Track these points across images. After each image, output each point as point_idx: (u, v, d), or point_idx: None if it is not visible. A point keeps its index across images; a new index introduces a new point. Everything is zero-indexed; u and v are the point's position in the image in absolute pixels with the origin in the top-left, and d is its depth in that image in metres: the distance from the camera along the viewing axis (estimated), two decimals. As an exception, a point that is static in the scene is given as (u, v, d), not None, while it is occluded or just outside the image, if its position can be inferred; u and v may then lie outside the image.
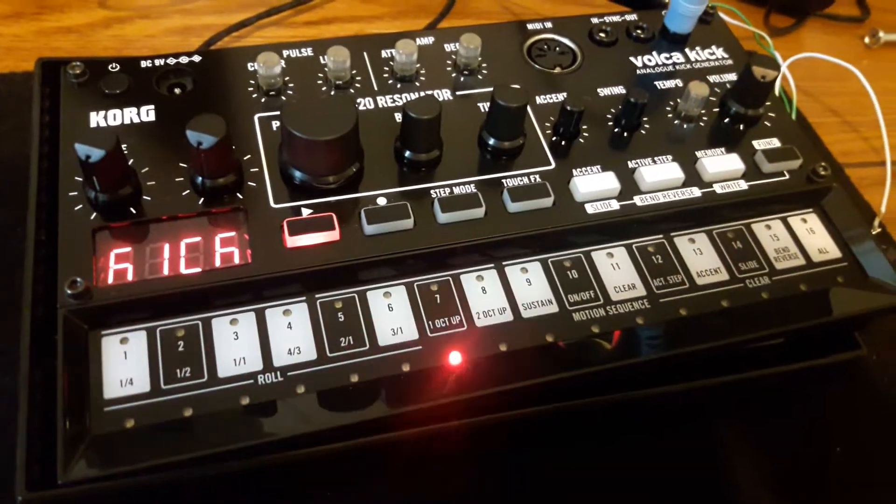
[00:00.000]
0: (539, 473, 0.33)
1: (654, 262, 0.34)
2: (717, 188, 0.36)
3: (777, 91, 0.43)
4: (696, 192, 0.35)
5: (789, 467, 0.35)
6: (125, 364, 0.28)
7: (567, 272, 0.33)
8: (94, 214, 0.30)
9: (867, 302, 0.34)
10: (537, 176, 0.35)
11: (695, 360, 0.32)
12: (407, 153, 0.34)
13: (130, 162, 0.32)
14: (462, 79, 0.38)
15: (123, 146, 0.31)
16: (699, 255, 0.34)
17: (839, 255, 0.36)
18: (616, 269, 0.33)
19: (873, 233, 0.39)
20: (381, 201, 0.33)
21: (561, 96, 0.38)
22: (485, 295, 0.32)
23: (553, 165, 0.35)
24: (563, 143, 0.36)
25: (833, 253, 0.36)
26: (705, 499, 0.34)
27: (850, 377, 0.38)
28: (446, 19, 0.52)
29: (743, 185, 0.36)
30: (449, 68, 0.39)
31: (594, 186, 0.34)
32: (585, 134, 0.37)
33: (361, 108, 0.36)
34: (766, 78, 0.37)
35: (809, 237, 0.36)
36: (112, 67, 0.36)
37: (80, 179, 0.31)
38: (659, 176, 0.35)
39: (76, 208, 0.31)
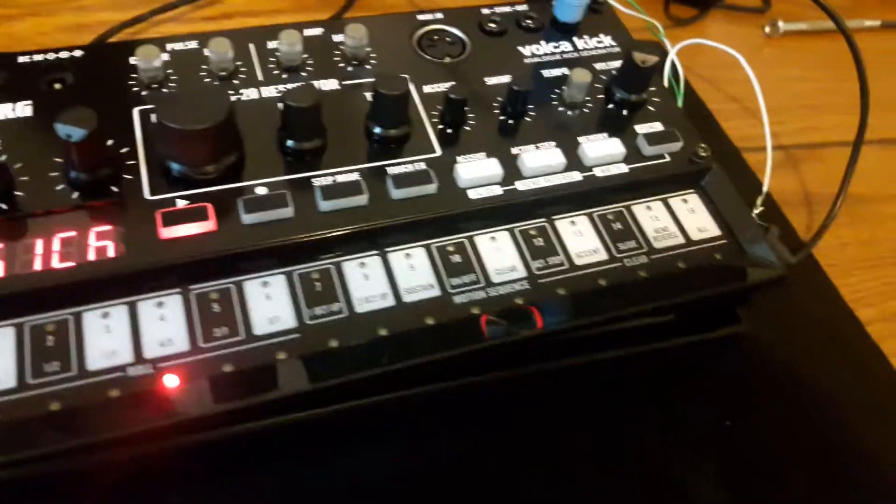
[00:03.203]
0: (430, 454, 0.34)
1: (535, 245, 0.34)
2: (598, 172, 0.36)
3: (667, 78, 0.44)
4: (577, 176, 0.36)
5: (680, 441, 0.37)
6: (-11, 360, 0.27)
7: (450, 256, 0.33)
8: (-37, 211, 0.30)
9: (743, 277, 0.35)
10: (422, 163, 0.35)
11: (573, 336, 0.33)
12: (289, 142, 0.34)
13: (3, 158, 0.32)
14: (350, 69, 0.38)
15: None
16: (580, 237, 0.35)
17: (718, 232, 0.37)
18: (498, 252, 0.34)
19: (756, 211, 0.40)
20: (261, 191, 0.33)
21: (448, 86, 0.39)
22: (367, 281, 0.32)
23: (438, 153, 0.36)
24: (449, 131, 0.37)
25: (712, 231, 0.37)
26: (595, 477, 0.35)
27: (736, 353, 0.39)
28: (349, 12, 0.52)
29: (624, 168, 0.37)
30: (337, 59, 0.39)
31: (477, 173, 0.35)
32: (472, 122, 0.37)
33: (245, 98, 0.36)
34: (647, 63, 0.38)
35: (690, 217, 0.37)
36: (-13, 63, 0.35)
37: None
38: (541, 161, 0.36)
39: (-56, 205, 0.30)
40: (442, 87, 0.38)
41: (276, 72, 0.38)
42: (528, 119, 0.38)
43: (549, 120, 0.38)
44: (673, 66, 0.45)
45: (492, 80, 0.39)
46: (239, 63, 0.37)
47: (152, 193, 0.32)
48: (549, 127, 0.38)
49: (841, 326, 0.45)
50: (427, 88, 0.38)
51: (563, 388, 0.36)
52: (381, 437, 0.33)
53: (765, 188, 0.41)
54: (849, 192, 0.54)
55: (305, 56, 0.38)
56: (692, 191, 0.38)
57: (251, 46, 0.38)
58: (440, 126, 0.37)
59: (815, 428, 0.37)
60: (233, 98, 0.35)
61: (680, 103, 0.43)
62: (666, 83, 0.44)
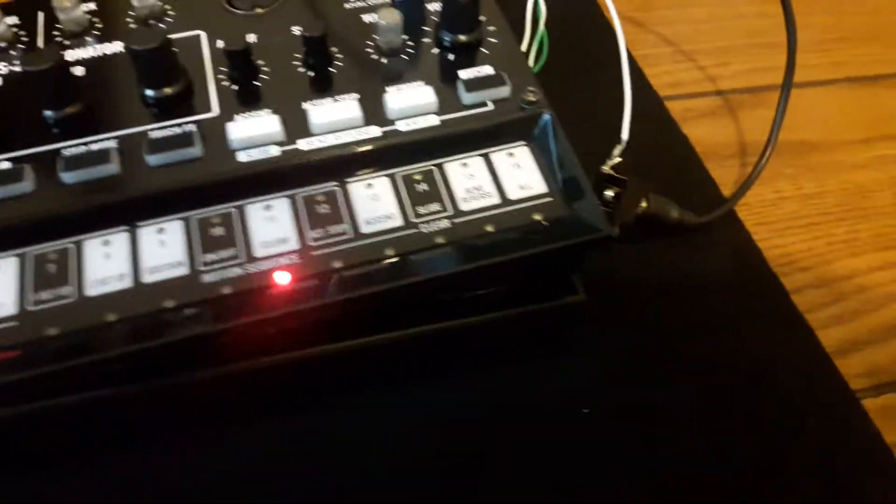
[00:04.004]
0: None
1: (319, 213, 0.30)
2: (401, 126, 0.31)
3: (529, 18, 0.39)
4: (375, 131, 0.31)
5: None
6: None
7: (210, 230, 0.29)
8: None
9: (559, 239, 0.30)
10: (192, 125, 0.31)
11: (346, 314, 0.29)
12: (47, 112, 0.31)
13: None
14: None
15: None
16: (374, 202, 0.30)
17: (544, 190, 0.31)
18: (270, 223, 0.30)
19: (611, 163, 0.34)
20: (4, 165, 0.30)
21: (252, 38, 0.34)
22: (107, 261, 0.28)
23: (216, 113, 0.32)
24: (235, 88, 0.33)
25: (537, 188, 0.31)
26: (435, 461, 0.31)
27: (575, 324, 0.33)
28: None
29: (434, 120, 0.32)
30: (130, 20, 0.35)
31: (248, 132, 0.31)
32: (266, 77, 0.33)
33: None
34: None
35: (513, 173, 0.32)
36: None
37: None
38: (330, 116, 0.31)
39: None
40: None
41: (58, 39, 0.34)
42: (333, 70, 0.33)
43: (360, 70, 0.34)
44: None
45: (299, 31, 0.35)
46: (22, 33, 0.34)
47: None
48: (357, 78, 0.33)
49: (757, 296, 0.38)
50: (223, 44, 0.34)
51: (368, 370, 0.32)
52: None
53: (624, 135, 0.35)
54: (799, 140, 0.47)
55: (92, 19, 0.35)
56: (523, 143, 0.32)
57: (40, 13, 0.35)
58: (225, 83, 0.33)
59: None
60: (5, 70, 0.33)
61: (532, 52, 0.37)
62: (528, 26, 0.38)
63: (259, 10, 0.36)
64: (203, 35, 0.34)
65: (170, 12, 0.36)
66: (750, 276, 0.39)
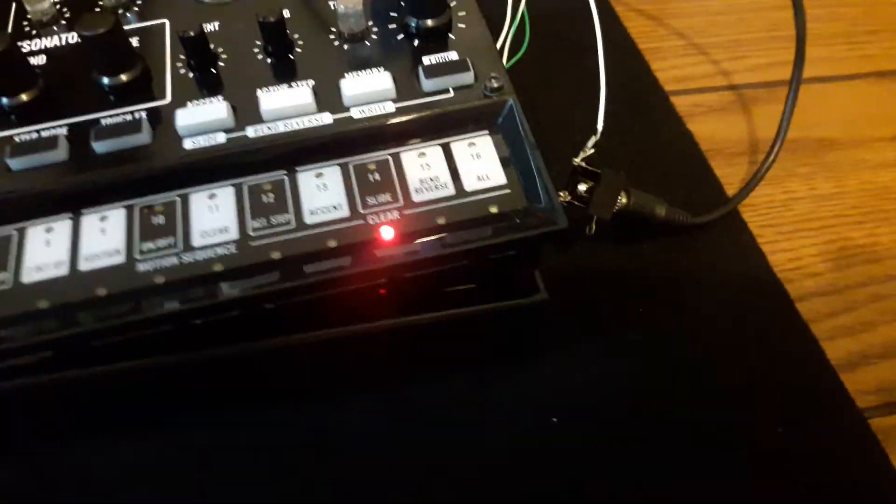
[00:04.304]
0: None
1: (262, 202, 0.29)
2: (355, 113, 0.30)
3: (510, 5, 0.37)
4: (326, 118, 0.30)
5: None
6: None
7: (152, 217, 0.28)
8: None
9: (511, 231, 0.28)
10: (144, 112, 0.30)
11: (281, 309, 0.27)
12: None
13: None
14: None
15: None
16: (322, 192, 0.29)
17: (503, 181, 0.29)
18: (212, 212, 0.29)
19: (583, 156, 0.32)
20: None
21: (214, 25, 0.34)
22: (47, 248, 0.28)
23: (168, 100, 0.31)
24: (191, 75, 0.32)
25: (496, 180, 0.29)
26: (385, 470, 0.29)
27: (537, 325, 0.31)
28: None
29: (390, 107, 0.30)
30: (98, 10, 0.35)
31: (196, 118, 0.30)
32: (223, 64, 0.32)
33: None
34: (430, -20, 0.31)
35: (472, 163, 0.30)
36: None
37: None
38: (280, 102, 0.30)
39: None
40: (207, 27, 0.33)
41: (27, 29, 0.34)
42: (292, 57, 0.32)
43: (321, 57, 0.32)
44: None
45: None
46: (-16, 20, 0.34)
47: None
48: (317, 65, 0.32)
49: (756, 303, 0.35)
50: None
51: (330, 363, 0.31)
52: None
53: (599, 125, 0.33)
54: (817, 137, 0.43)
55: (61, 8, 0.35)
56: (485, 132, 0.30)
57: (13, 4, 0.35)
58: (182, 70, 0.32)
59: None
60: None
61: (510, 38, 0.35)
62: (509, 9, 0.36)
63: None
64: (167, 23, 0.34)
65: (138, 1, 0.35)
66: (749, 281, 0.36)
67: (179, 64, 0.32)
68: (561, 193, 0.32)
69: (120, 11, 0.35)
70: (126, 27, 0.34)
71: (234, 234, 0.28)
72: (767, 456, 0.30)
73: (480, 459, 0.29)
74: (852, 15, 0.51)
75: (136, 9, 0.35)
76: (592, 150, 0.31)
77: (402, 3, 0.33)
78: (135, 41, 0.33)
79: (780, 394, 0.32)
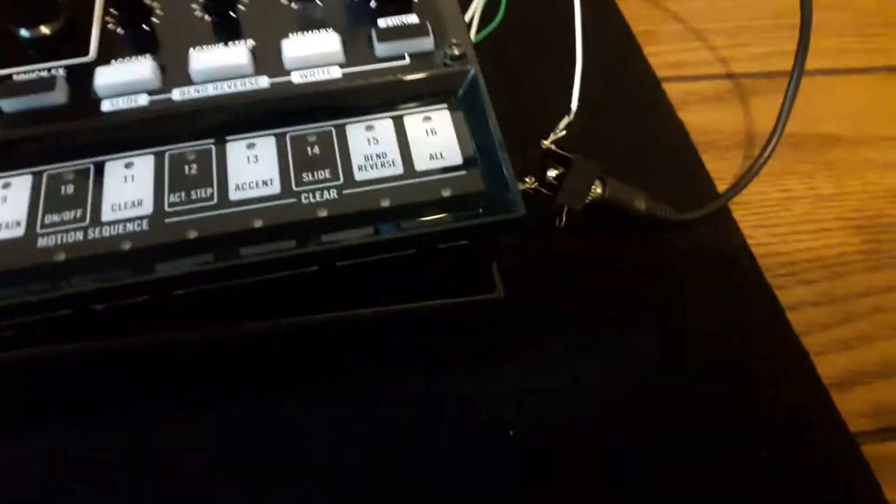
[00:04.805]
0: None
1: (184, 174, 0.25)
2: (296, 77, 0.27)
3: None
4: (263, 82, 0.27)
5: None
6: None
7: (61, 187, 0.25)
8: None
9: (461, 219, 0.24)
10: (62, 69, 0.27)
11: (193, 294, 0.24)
12: None
13: None
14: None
15: None
16: (252, 164, 0.26)
17: (459, 161, 0.26)
18: (126, 183, 0.25)
19: (552, 139, 0.29)
20: None
21: (153, -19, 0.30)
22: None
23: (92, 57, 0.28)
24: (120, 31, 0.29)
25: (451, 160, 0.26)
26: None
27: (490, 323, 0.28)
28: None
29: (336, 72, 0.27)
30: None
31: (116, 77, 0.26)
32: (156, 20, 0.29)
33: None
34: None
35: (426, 140, 0.26)
36: None
37: None
38: (211, 62, 0.27)
39: None
40: (143, -18, 0.30)
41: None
42: (234, 15, 0.29)
43: (266, 15, 0.29)
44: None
45: (206, -29, 0.30)
46: None
47: None
48: (260, 24, 0.29)
49: (742, 310, 0.32)
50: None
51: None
52: None
53: (573, 105, 0.29)
54: (821, 133, 0.40)
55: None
56: (444, 105, 0.27)
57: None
58: (113, 26, 0.29)
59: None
60: None
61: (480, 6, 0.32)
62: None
63: (171, -50, 0.32)
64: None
65: (73, -51, 0.32)
66: (736, 286, 0.33)
67: (110, 19, 0.29)
68: (528, 179, 0.29)
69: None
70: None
71: (148, 208, 0.25)
72: (749, 482, 0.27)
73: (423, 474, 0.25)
74: (865, 6, 0.47)
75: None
76: (564, 132, 0.28)
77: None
78: (62, -9, 0.30)
79: (766, 414, 0.29)
